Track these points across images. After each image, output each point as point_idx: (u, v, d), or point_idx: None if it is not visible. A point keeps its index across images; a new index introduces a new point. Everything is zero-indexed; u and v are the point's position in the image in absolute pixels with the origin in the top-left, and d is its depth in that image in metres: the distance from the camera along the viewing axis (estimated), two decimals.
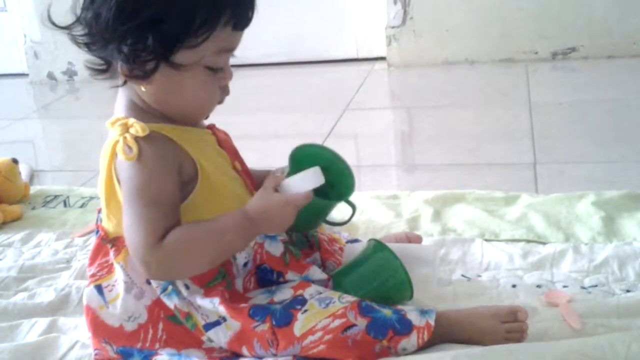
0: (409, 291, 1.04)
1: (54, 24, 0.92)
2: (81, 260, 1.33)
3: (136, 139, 0.90)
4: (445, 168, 1.75)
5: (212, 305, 0.94)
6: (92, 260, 1.01)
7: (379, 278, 1.03)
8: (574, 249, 1.24)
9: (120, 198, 0.94)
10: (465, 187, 1.53)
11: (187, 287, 0.95)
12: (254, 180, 1.04)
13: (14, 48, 3.08)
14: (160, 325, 0.97)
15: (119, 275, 0.97)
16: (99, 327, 0.99)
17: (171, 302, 0.95)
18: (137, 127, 0.90)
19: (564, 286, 1.13)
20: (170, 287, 0.95)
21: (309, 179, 0.96)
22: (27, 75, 3.06)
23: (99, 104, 2.73)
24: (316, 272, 1.02)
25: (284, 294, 0.97)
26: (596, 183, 1.53)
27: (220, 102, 0.98)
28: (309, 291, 0.97)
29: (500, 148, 1.84)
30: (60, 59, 2.98)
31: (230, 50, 0.94)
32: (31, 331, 1.11)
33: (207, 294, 0.95)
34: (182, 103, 0.94)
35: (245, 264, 1.00)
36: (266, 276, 1.00)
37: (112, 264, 0.99)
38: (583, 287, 1.12)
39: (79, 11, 0.91)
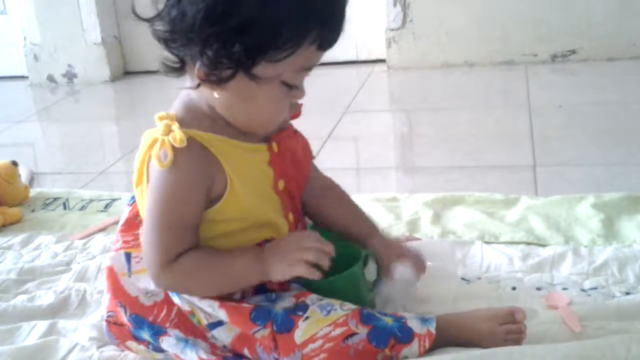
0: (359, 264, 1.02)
1: (137, 15, 0.91)
2: (81, 263, 1.33)
3: (174, 146, 0.88)
4: (445, 170, 1.75)
5: (211, 309, 0.94)
6: (128, 227, 1.01)
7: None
8: (574, 251, 1.24)
9: (144, 189, 0.94)
10: (464, 190, 1.53)
11: None
12: (296, 199, 1.03)
13: (13, 50, 3.08)
14: (175, 309, 0.97)
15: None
16: (117, 290, 0.99)
17: (175, 300, 0.97)
18: (176, 135, 0.88)
19: (564, 288, 1.13)
20: None
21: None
22: (26, 77, 3.06)
23: (99, 106, 2.74)
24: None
25: (285, 302, 0.97)
26: (596, 185, 1.53)
27: (286, 117, 0.98)
28: (311, 298, 0.97)
29: (500, 150, 1.84)
30: (60, 62, 2.99)
31: (309, 69, 0.93)
32: (31, 334, 1.11)
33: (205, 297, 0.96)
34: (251, 114, 0.93)
35: None
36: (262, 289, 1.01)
37: None
38: (583, 290, 1.12)
39: (160, 5, 0.89)
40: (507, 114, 2.12)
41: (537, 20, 2.56)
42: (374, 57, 2.82)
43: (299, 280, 0.99)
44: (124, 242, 1.02)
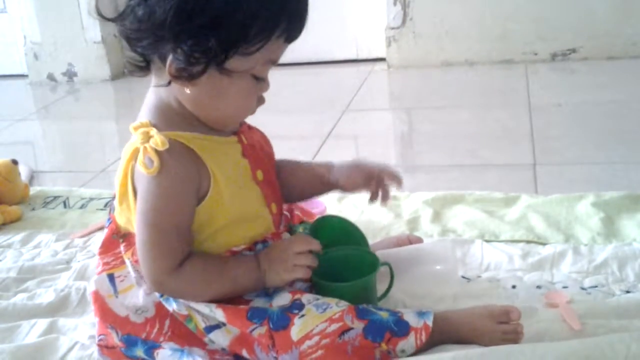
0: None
1: (101, 15, 0.92)
2: (81, 261, 1.33)
3: (157, 151, 0.89)
4: (445, 169, 1.75)
5: (208, 309, 0.94)
6: (106, 248, 1.01)
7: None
8: (574, 249, 1.24)
9: (131, 202, 0.94)
10: (465, 188, 1.53)
11: None
12: (277, 190, 1.05)
13: (13, 49, 3.08)
14: (167, 322, 0.97)
15: (130, 269, 0.98)
16: (106, 313, 0.99)
17: (170, 306, 0.96)
18: (157, 140, 0.89)
19: (564, 287, 1.13)
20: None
21: None
22: (26, 76, 3.06)
23: (99, 105, 2.74)
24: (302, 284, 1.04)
25: (283, 298, 0.97)
26: (596, 184, 1.53)
27: (253, 112, 0.98)
28: (307, 297, 0.97)
29: (500, 149, 1.84)
30: (60, 60, 2.99)
31: (275, 61, 0.94)
32: (31, 332, 1.11)
33: None
34: (222, 109, 0.94)
35: None
36: None
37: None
38: (583, 288, 1.12)
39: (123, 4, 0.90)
40: (507, 113, 2.12)
41: (537, 19, 2.56)
42: (374, 56, 2.82)
43: (311, 280, 1.01)
44: (104, 264, 1.01)
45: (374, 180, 1.07)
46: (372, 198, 1.08)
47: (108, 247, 1.01)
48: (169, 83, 0.92)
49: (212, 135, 0.96)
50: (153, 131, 0.90)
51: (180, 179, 0.91)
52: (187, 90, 0.91)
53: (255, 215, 0.99)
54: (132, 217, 0.95)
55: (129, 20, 0.89)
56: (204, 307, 0.94)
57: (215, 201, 0.94)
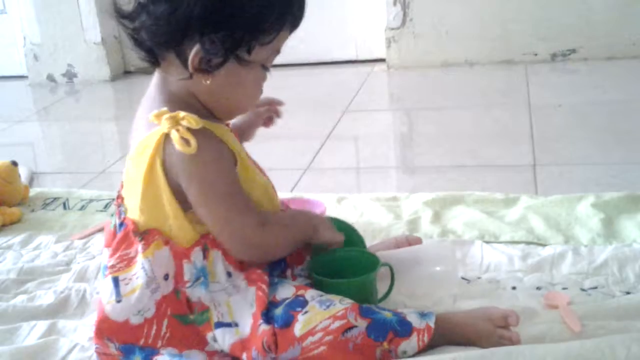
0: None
1: (119, 13, 0.95)
2: (81, 263, 1.33)
3: (192, 130, 0.90)
4: (445, 170, 1.75)
5: (239, 279, 0.97)
6: (115, 251, 1.00)
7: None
8: (574, 250, 1.24)
9: (163, 195, 0.94)
10: (464, 189, 1.53)
11: (229, 274, 0.97)
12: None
13: (13, 50, 3.09)
14: (165, 322, 0.96)
15: (140, 270, 0.96)
16: (103, 324, 0.98)
17: (197, 293, 0.95)
18: (191, 120, 0.91)
19: (564, 288, 1.13)
20: (202, 278, 0.96)
21: None
22: (26, 77, 3.07)
23: (99, 106, 2.74)
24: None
25: (286, 290, 0.97)
26: (596, 185, 1.53)
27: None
28: (310, 293, 0.97)
29: (500, 150, 1.84)
30: (60, 61, 2.99)
31: (280, 51, 0.99)
32: (30, 334, 1.11)
33: (247, 277, 0.98)
34: (237, 98, 0.98)
35: None
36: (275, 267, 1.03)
37: (132, 257, 0.97)
38: (583, 289, 1.12)
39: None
40: (507, 113, 2.12)
41: (537, 19, 2.56)
42: (374, 57, 2.82)
43: (313, 277, 1.03)
44: (110, 267, 0.99)
45: (265, 107, 1.20)
46: (267, 123, 1.21)
47: (117, 250, 1.00)
48: (191, 76, 0.93)
49: (219, 124, 0.99)
50: (183, 113, 0.91)
51: (220, 150, 0.95)
52: (207, 82, 0.94)
53: (267, 190, 1.03)
54: (167, 207, 0.95)
55: (142, 18, 0.92)
56: (240, 280, 0.97)
57: (244, 175, 0.98)
